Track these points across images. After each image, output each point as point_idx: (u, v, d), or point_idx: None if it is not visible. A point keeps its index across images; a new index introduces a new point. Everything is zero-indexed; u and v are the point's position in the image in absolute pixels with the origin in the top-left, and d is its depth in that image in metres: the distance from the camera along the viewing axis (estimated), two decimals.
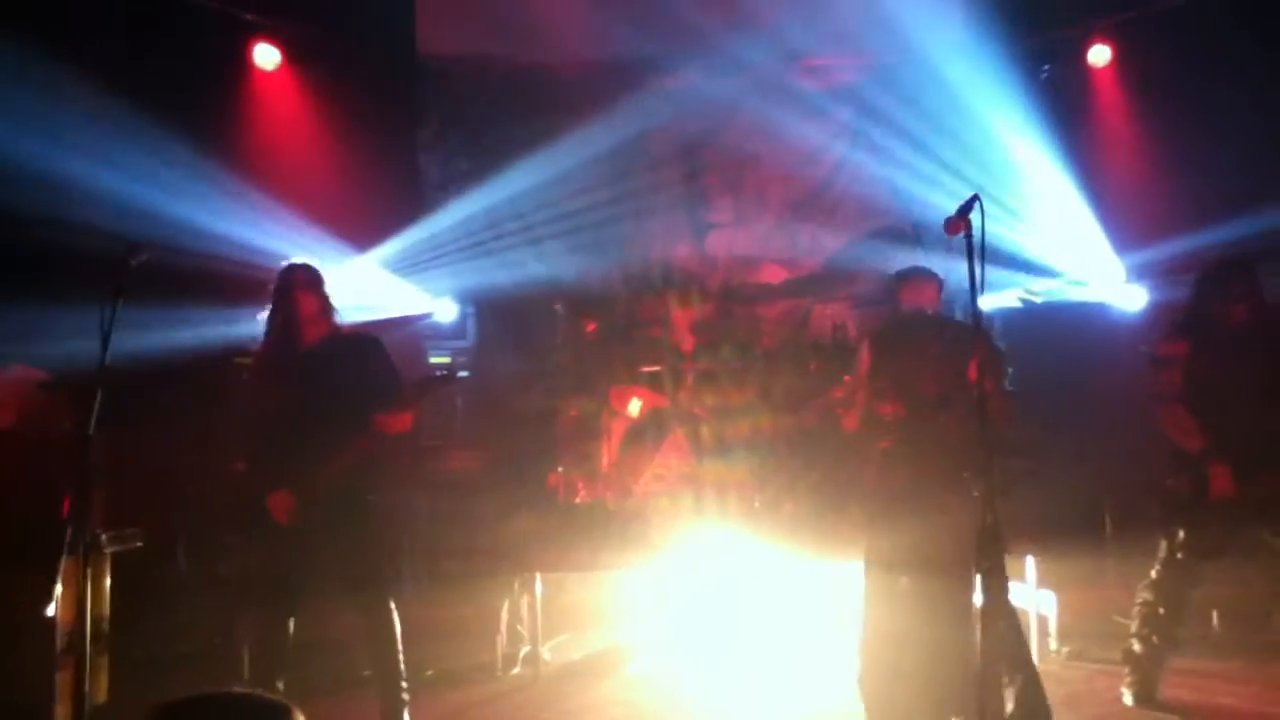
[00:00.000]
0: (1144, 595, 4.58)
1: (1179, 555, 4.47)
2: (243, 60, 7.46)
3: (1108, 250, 7.37)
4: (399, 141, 7.88)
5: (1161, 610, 4.51)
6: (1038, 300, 7.01)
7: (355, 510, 4.18)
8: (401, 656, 4.25)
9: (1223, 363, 4.39)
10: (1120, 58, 7.72)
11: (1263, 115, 6.76)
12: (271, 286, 4.26)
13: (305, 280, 4.25)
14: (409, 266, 7.48)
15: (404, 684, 4.26)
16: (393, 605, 4.24)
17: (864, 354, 4.35)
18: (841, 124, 8.19)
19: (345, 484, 4.11)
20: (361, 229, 7.25)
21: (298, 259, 4.34)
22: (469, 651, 5.53)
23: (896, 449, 4.16)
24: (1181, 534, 4.44)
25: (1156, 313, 6.85)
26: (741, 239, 8.21)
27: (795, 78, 8.18)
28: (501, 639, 5.51)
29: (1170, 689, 4.59)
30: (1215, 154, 6.85)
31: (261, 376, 4.31)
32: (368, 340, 4.39)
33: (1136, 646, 4.57)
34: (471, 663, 5.47)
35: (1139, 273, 7.15)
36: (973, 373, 3.69)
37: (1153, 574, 4.56)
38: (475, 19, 7.94)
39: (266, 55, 7.48)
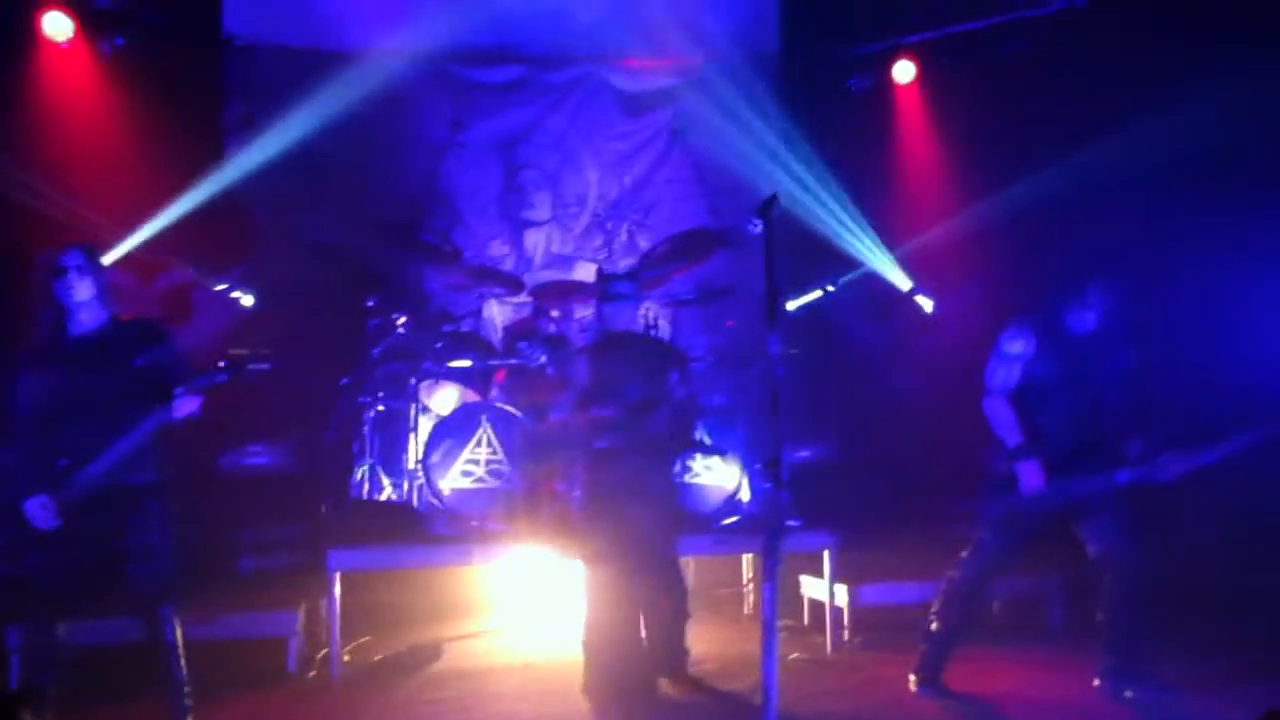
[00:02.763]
0: (951, 573, 4.82)
1: (991, 538, 4.73)
2: (29, 30, 6.92)
3: (910, 257, 7.69)
4: (203, 122, 7.49)
5: (964, 589, 4.77)
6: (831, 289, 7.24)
7: (136, 508, 3.97)
8: (184, 661, 4.06)
9: (1058, 361, 4.66)
10: (923, 75, 8.08)
11: (1050, 143, 7.19)
12: (44, 271, 3.99)
13: (80, 264, 4.00)
14: (210, 251, 7.12)
15: (187, 690, 4.07)
16: (174, 609, 4.04)
17: (582, 364, 5.04)
18: (657, 126, 8.31)
19: (124, 480, 3.90)
20: (158, 210, 6.85)
21: (74, 241, 4.09)
22: (261, 655, 5.27)
23: (610, 448, 4.81)
24: (995, 518, 4.71)
25: (952, 317, 7.18)
26: (558, 236, 8.21)
27: (613, 78, 8.25)
28: (298, 641, 5.33)
29: (953, 675, 4.83)
30: (1007, 171, 7.25)
31: (31, 367, 4.03)
32: (148, 325, 4.17)
33: (934, 625, 4.80)
34: (263, 667, 5.23)
35: (927, 280, 7.48)
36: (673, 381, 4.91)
37: (963, 554, 4.80)
38: (284, 2, 7.65)
39: (57, 25, 6.92)
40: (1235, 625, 5.55)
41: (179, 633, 4.03)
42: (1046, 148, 6.97)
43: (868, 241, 7.40)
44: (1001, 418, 4.68)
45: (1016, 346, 4.70)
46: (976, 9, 7.74)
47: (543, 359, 6.17)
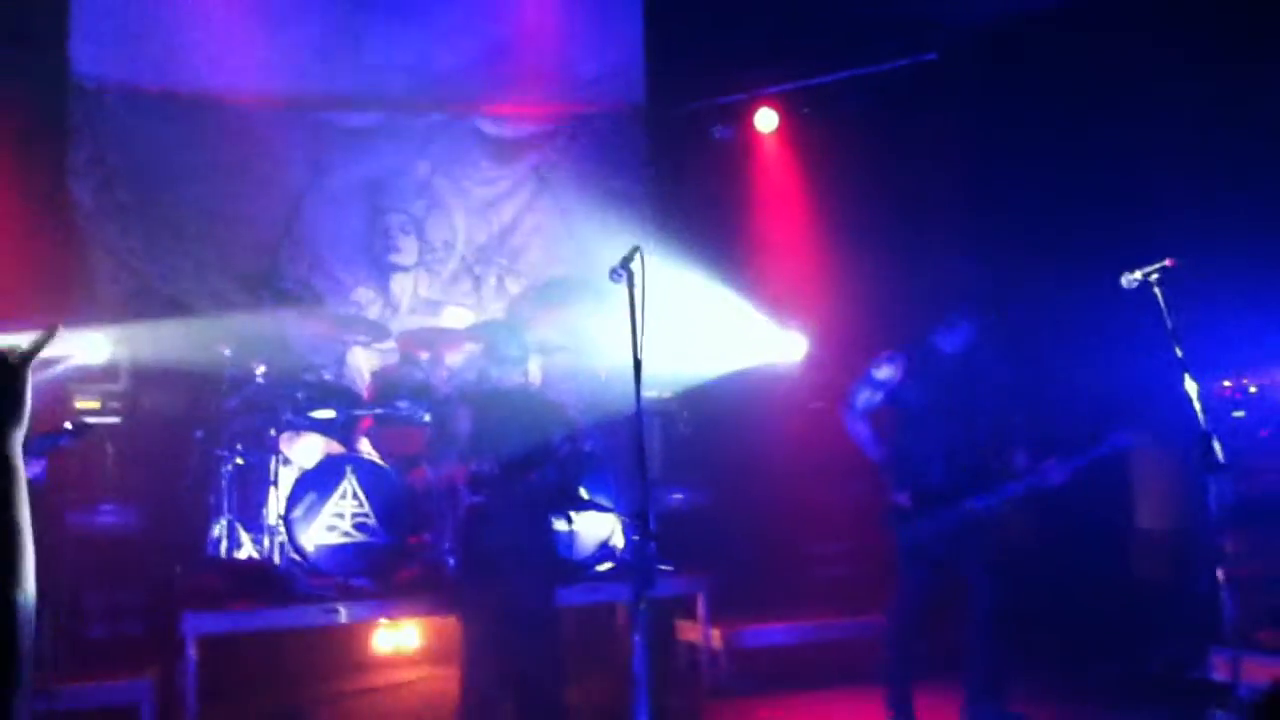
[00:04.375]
0: (885, 617, 4.91)
1: (905, 571, 4.81)
2: None
3: (775, 300, 7.84)
4: (45, 164, 7.15)
5: (895, 629, 4.84)
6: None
7: None
8: None
9: (928, 387, 4.80)
10: (786, 123, 8.31)
11: (905, 183, 7.48)
12: None
13: None
14: (54, 298, 6.78)
15: None
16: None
17: (463, 415, 4.85)
18: (525, 172, 8.30)
19: None
20: None
21: None
22: None
23: (485, 503, 4.67)
24: (902, 550, 4.80)
25: (814, 361, 7.34)
26: (425, 281, 8.10)
27: (480, 123, 8.22)
28: (150, 711, 5.05)
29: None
30: (868, 216, 7.50)
31: None
32: None
33: (884, 668, 4.87)
34: None
35: (799, 324, 7.65)
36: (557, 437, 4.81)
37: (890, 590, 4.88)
38: (136, 42, 7.37)
39: None
40: (1094, 648, 5.79)
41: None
42: (902, 192, 7.25)
43: (733, 288, 7.53)
44: (857, 433, 4.86)
45: (884, 373, 4.85)
46: (834, 62, 8.01)
47: (425, 416, 6.03)
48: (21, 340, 1.60)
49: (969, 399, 4.80)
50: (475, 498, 4.72)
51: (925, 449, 4.77)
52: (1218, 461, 3.82)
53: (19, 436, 1.55)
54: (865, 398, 4.85)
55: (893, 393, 4.83)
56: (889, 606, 4.91)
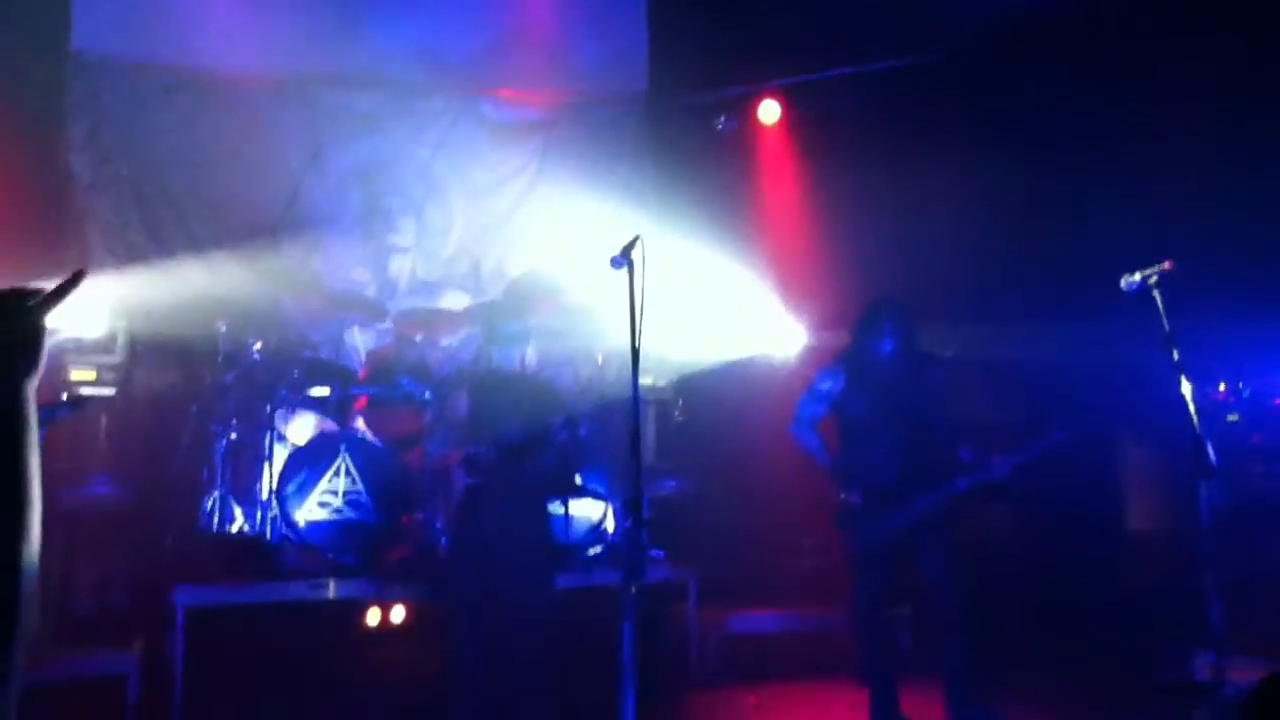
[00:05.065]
0: (852, 615, 4.94)
1: (862, 570, 4.85)
2: None
3: (773, 293, 7.86)
4: (43, 137, 7.12)
5: (864, 626, 4.89)
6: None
7: None
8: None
9: (869, 394, 4.85)
10: (788, 116, 8.31)
11: (905, 180, 7.48)
12: None
13: None
14: (51, 270, 6.76)
15: None
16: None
17: (462, 398, 4.87)
18: (525, 157, 8.28)
19: None
20: None
21: None
22: (98, 699, 4.99)
23: (480, 487, 4.67)
24: (856, 550, 4.84)
25: (813, 353, 7.37)
26: (423, 264, 8.09)
27: (482, 108, 8.21)
28: (136, 683, 5.06)
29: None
30: (870, 211, 7.51)
31: None
32: None
33: (865, 667, 4.90)
34: (99, 716, 4.93)
35: (798, 316, 7.67)
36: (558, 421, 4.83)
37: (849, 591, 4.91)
38: (138, 17, 7.32)
39: None
40: (1084, 649, 5.82)
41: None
42: (902, 189, 7.26)
43: (732, 279, 7.54)
44: (805, 441, 4.99)
45: (825, 384, 5.01)
46: (838, 58, 8.00)
47: (421, 396, 6.02)
48: (44, 285, 1.54)
49: (913, 400, 4.86)
50: (470, 480, 4.72)
51: (873, 452, 4.85)
52: (1211, 465, 3.83)
53: (33, 384, 1.49)
54: (810, 409, 5.01)
55: (836, 402, 4.97)
56: (850, 607, 4.96)
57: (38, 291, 1.52)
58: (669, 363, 7.27)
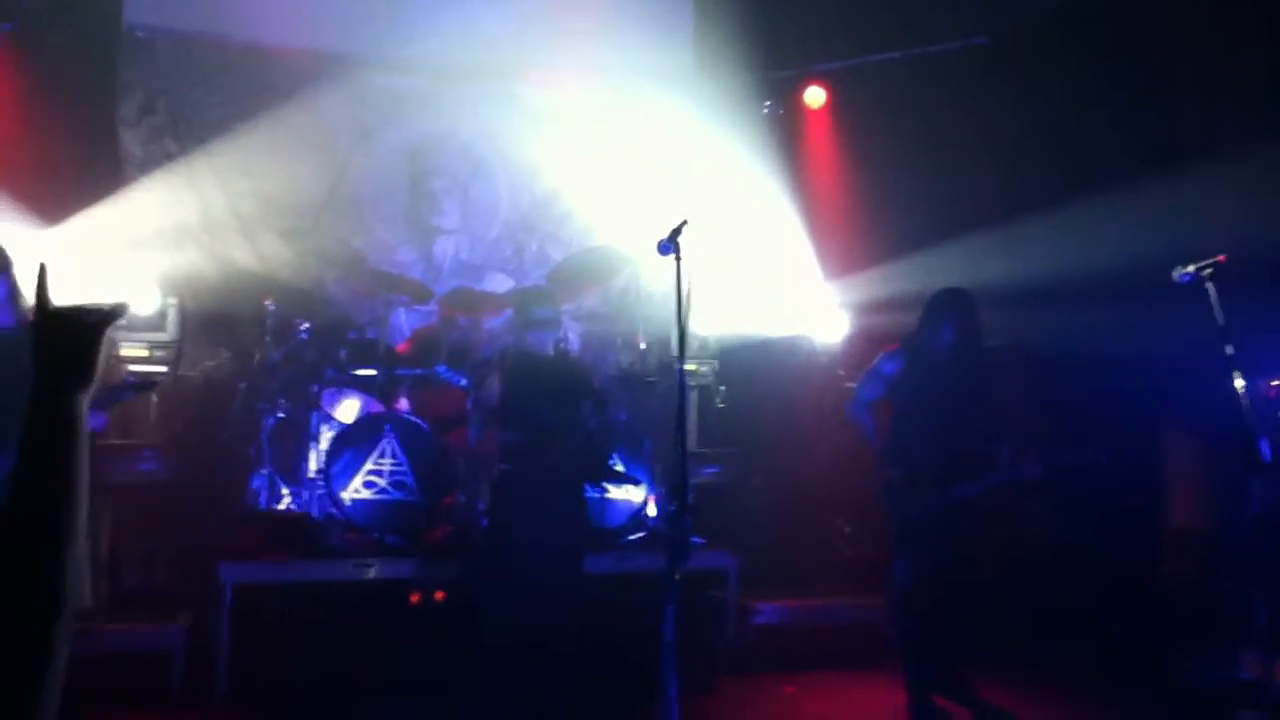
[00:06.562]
0: (887, 605, 4.95)
1: (906, 547, 4.84)
2: None
3: (818, 279, 7.82)
4: (97, 113, 7.22)
5: (903, 603, 4.86)
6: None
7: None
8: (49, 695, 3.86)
9: (923, 382, 4.86)
10: (834, 101, 8.24)
11: (950, 167, 7.40)
12: None
13: None
14: (104, 248, 6.86)
15: None
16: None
17: (494, 384, 4.93)
18: (569, 139, 8.26)
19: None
20: (49, 203, 6.57)
21: None
22: (144, 673, 5.08)
23: (513, 471, 4.75)
24: (899, 528, 4.87)
25: (856, 340, 7.33)
26: (467, 246, 8.13)
27: (525, 89, 8.20)
28: (182, 658, 5.15)
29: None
30: (912, 196, 7.43)
31: None
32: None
33: (904, 645, 4.90)
34: (145, 689, 5.01)
35: (844, 302, 7.63)
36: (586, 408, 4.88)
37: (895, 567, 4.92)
38: None
39: None
40: (1122, 648, 5.76)
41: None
42: (947, 176, 7.18)
43: (776, 261, 7.51)
44: (859, 421, 5.03)
45: (886, 368, 5.03)
46: (885, 42, 7.92)
47: (463, 382, 6.06)
48: (101, 302, 1.60)
49: (960, 393, 4.84)
50: (504, 465, 4.81)
51: (919, 437, 4.87)
52: (1262, 461, 3.77)
53: (86, 398, 1.56)
54: (868, 389, 5.04)
55: (893, 386, 5.00)
56: (889, 592, 4.96)
57: (97, 309, 1.57)
58: (710, 347, 7.27)
